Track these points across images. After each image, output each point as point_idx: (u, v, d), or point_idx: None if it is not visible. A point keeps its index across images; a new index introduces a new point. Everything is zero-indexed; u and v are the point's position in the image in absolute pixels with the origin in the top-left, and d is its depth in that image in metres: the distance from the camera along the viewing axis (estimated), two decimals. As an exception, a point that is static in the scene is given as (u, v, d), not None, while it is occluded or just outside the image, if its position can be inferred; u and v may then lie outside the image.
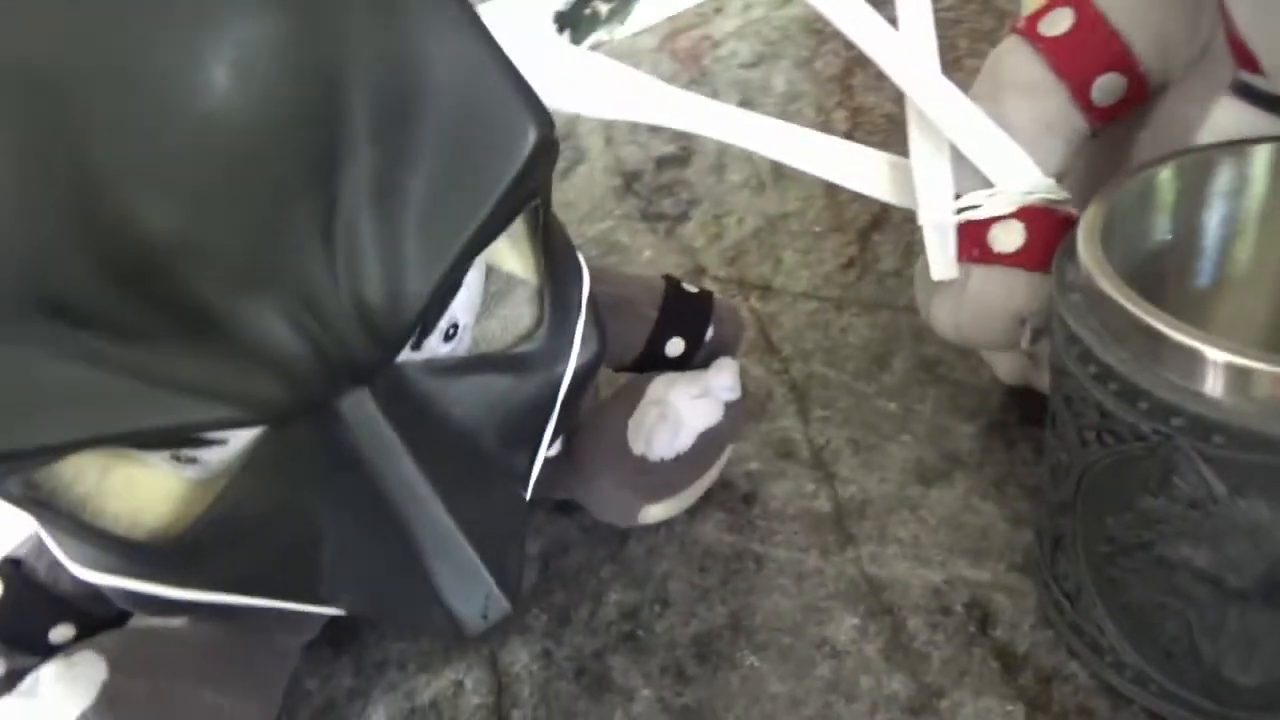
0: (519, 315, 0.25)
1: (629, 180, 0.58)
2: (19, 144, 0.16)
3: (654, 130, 0.62)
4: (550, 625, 0.32)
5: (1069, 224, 0.26)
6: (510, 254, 0.26)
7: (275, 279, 0.18)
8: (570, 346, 0.26)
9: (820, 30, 0.70)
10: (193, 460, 0.22)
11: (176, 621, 0.31)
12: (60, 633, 0.29)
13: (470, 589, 0.22)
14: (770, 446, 0.37)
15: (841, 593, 0.31)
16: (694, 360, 0.34)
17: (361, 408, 0.21)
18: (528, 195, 0.22)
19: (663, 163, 0.59)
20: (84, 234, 0.17)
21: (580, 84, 0.28)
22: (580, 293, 0.27)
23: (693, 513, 0.35)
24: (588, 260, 0.33)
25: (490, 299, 0.25)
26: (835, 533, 0.33)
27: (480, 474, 0.24)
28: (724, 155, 0.57)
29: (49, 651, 0.28)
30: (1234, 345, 0.19)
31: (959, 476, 0.34)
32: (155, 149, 0.17)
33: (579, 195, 0.58)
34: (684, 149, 0.59)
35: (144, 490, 0.22)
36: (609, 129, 0.64)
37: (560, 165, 0.61)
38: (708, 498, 0.35)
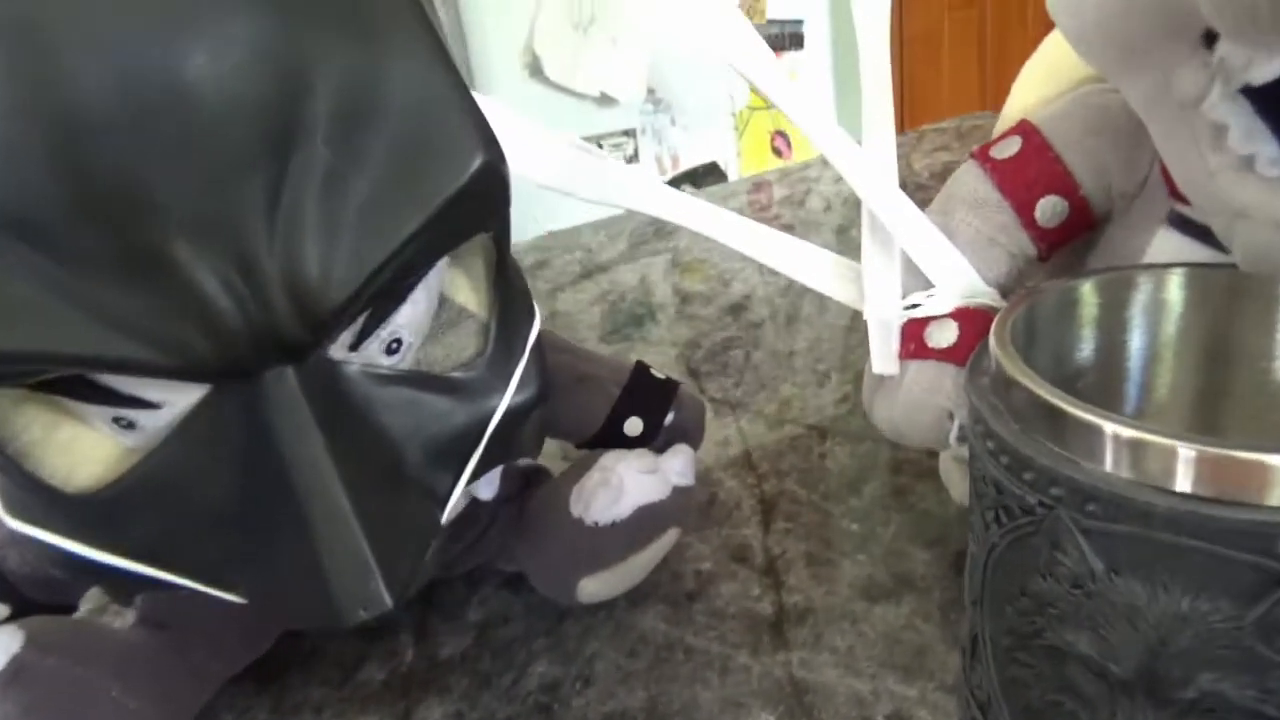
0: (464, 345, 0.27)
1: (654, 311, 0.60)
2: (8, 80, 0.19)
3: (687, 268, 0.65)
4: (470, 688, 0.32)
5: (999, 327, 0.27)
6: (465, 289, 0.27)
7: (215, 238, 0.20)
8: (508, 384, 0.27)
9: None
10: (131, 426, 0.23)
11: (117, 624, 0.32)
12: (-6, 610, 0.30)
13: (355, 578, 0.22)
14: (727, 550, 0.37)
15: (764, 691, 0.30)
16: (652, 444, 0.35)
17: (283, 384, 0.22)
18: (473, 221, 0.24)
19: (687, 297, 0.61)
20: (57, 166, 0.19)
21: (556, 163, 0.31)
22: (527, 336, 0.28)
23: (634, 600, 0.34)
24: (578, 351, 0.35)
25: (440, 327, 0.27)
26: (771, 635, 0.32)
27: (396, 484, 0.25)
28: (746, 302, 0.59)
29: (-21, 627, 0.29)
30: (1104, 412, 0.20)
31: (907, 597, 0.33)
32: (128, 103, 0.19)
33: (603, 316, 0.60)
34: (712, 289, 0.62)
35: (83, 449, 0.24)
36: (646, 265, 0.68)
37: (574, 275, 0.65)
38: (652, 589, 0.35)
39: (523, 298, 0.29)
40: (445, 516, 0.27)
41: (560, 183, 0.33)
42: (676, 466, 0.32)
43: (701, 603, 0.34)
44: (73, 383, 0.22)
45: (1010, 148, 0.29)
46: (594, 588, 0.32)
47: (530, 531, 0.33)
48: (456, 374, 0.26)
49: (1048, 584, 0.22)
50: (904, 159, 0.82)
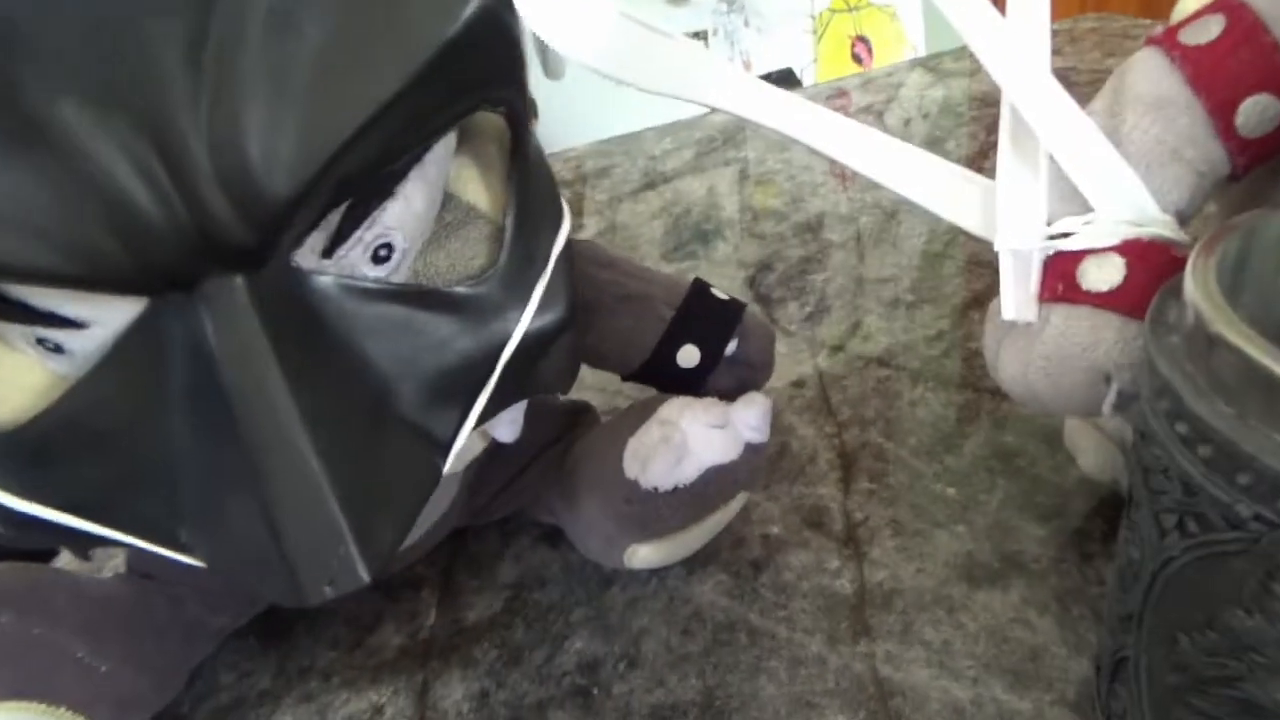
0: (472, 254, 0.22)
1: (721, 226, 0.54)
2: None
3: (759, 181, 0.59)
4: (497, 663, 0.27)
5: (1182, 267, 0.21)
6: (475, 183, 0.22)
7: (121, 102, 0.15)
8: (525, 302, 0.22)
9: (960, 113, 0.65)
10: (59, 350, 0.19)
11: (104, 575, 0.28)
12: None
13: (321, 547, 0.17)
14: (798, 513, 0.31)
15: (841, 690, 0.25)
16: (711, 379, 0.29)
17: (228, 298, 0.17)
18: (472, 86, 0.18)
19: (758, 214, 0.55)
20: None
21: (605, 38, 0.25)
22: (552, 244, 0.22)
23: (691, 568, 0.30)
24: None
25: (442, 229, 0.21)
26: (851, 620, 0.27)
27: (380, 426, 0.20)
28: (823, 218, 0.53)
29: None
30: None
31: (1015, 583, 0.28)
32: None
33: (665, 231, 0.54)
34: (788, 204, 0.55)
35: (3, 374, 0.19)
36: (713, 176, 0.61)
37: (636, 185, 0.58)
38: (712, 555, 0.30)
39: (548, 194, 0.24)
40: (449, 465, 0.22)
41: (611, 65, 0.27)
42: (750, 420, 0.27)
43: (768, 574, 0.29)
44: None
45: (1209, 30, 0.22)
46: (646, 555, 0.27)
47: (574, 486, 0.28)
48: (462, 289, 0.21)
49: (1253, 621, 0.16)
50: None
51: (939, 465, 0.33)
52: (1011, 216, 0.23)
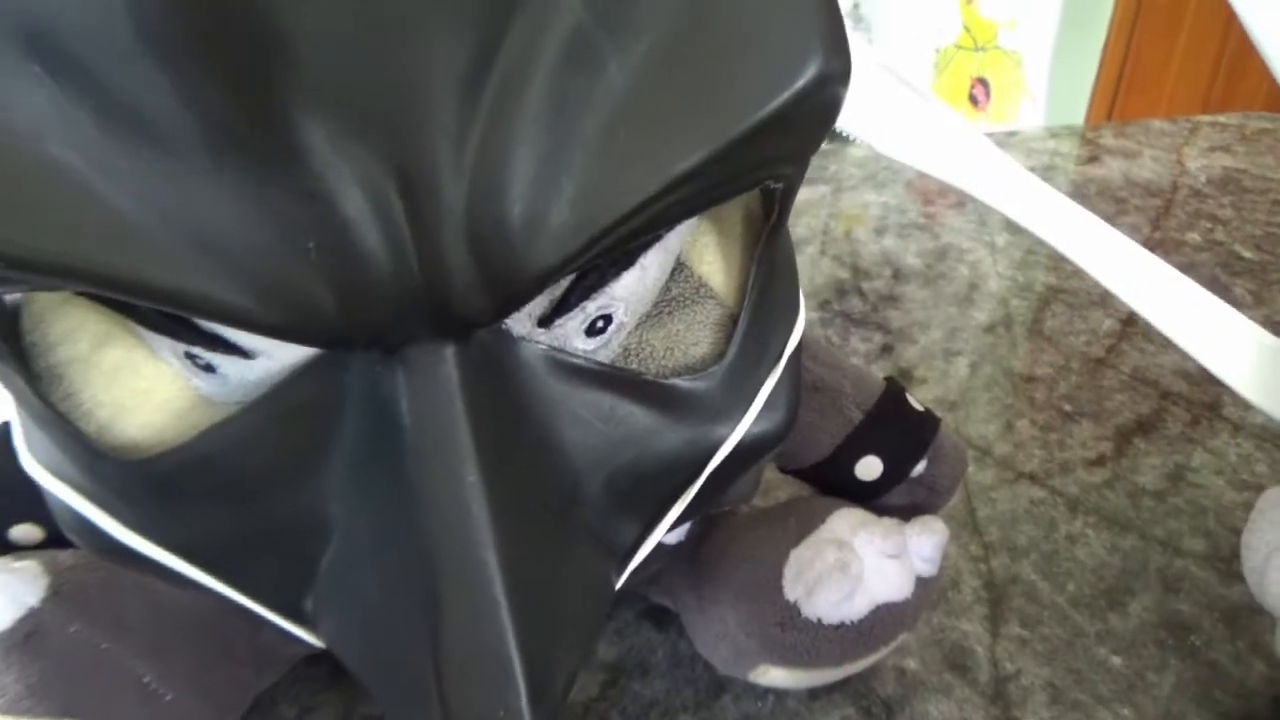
0: (695, 339, 0.18)
1: (858, 276, 0.50)
2: None
3: (902, 235, 0.55)
4: (589, 763, 0.24)
5: None
6: (712, 255, 0.18)
7: (374, 122, 0.12)
8: (748, 405, 0.18)
9: (1122, 199, 0.61)
10: (209, 369, 0.15)
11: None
12: (24, 532, 0.23)
13: (487, 688, 0.14)
14: (939, 648, 0.28)
15: None
16: (886, 496, 0.26)
17: (435, 369, 0.14)
18: (772, 161, 0.15)
19: (901, 275, 0.51)
20: None
21: (930, 142, 0.21)
22: (785, 341, 0.19)
23: (815, 693, 0.26)
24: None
25: (666, 304, 0.18)
26: (999, 803, 0.24)
27: (566, 532, 0.16)
28: (973, 290, 0.49)
29: (4, 549, 0.23)
30: None
31: (1193, 798, 0.24)
32: None
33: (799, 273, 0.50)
34: (929, 268, 0.51)
35: (138, 384, 0.16)
36: (851, 221, 0.57)
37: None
38: (841, 682, 0.26)
39: (789, 282, 0.20)
40: (620, 582, 0.18)
41: (855, 123, 0.24)
42: (925, 551, 0.23)
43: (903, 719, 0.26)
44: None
45: None
46: (778, 676, 0.24)
47: (713, 586, 0.24)
48: (681, 381, 0.17)
49: None
50: (1173, 151, 0.69)
51: (1101, 623, 0.29)
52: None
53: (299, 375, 0.15)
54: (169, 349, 0.16)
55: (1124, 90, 1.84)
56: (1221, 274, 0.51)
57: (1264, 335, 0.21)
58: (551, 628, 0.15)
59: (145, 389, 0.16)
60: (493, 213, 0.12)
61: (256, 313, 0.12)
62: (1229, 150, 0.69)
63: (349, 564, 0.16)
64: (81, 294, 0.15)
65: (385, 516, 0.15)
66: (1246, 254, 0.53)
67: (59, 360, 0.16)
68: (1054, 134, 0.73)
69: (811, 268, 0.52)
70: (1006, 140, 0.74)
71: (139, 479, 0.16)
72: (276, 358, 0.15)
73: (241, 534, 0.16)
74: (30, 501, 0.23)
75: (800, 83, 0.13)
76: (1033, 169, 0.65)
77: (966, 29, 1.86)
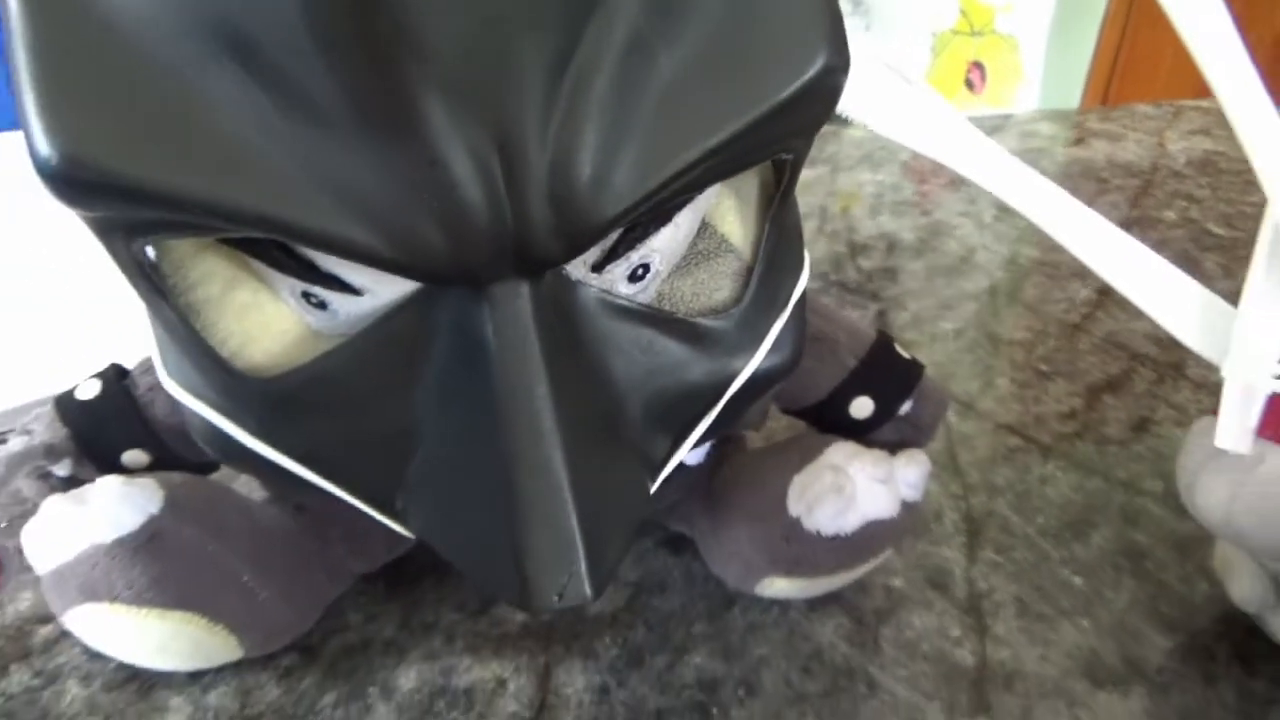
0: (717, 286, 0.22)
1: (854, 251, 0.54)
2: None
3: (897, 210, 0.59)
4: (619, 661, 0.28)
5: None
6: (732, 216, 0.22)
7: (480, 104, 0.15)
8: (760, 343, 0.22)
9: (1104, 179, 0.64)
10: (321, 306, 0.19)
11: (255, 497, 0.29)
12: (133, 457, 0.27)
13: (557, 561, 0.18)
14: (922, 570, 0.32)
15: (959, 764, 0.25)
16: (877, 431, 0.29)
17: (514, 303, 0.17)
18: (782, 139, 0.18)
19: (895, 247, 0.54)
20: None
21: (906, 115, 0.25)
22: (792, 289, 0.23)
23: (813, 604, 0.30)
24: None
25: (693, 257, 0.22)
26: (970, 694, 0.27)
27: (613, 442, 0.20)
28: (961, 262, 0.53)
29: (116, 471, 0.27)
30: None
31: (1137, 690, 0.28)
32: None
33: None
34: (921, 242, 0.55)
35: (262, 318, 0.20)
36: (850, 198, 0.61)
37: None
38: (835, 595, 0.30)
39: (796, 241, 0.24)
40: (653, 488, 0.22)
41: (854, 107, 0.27)
42: (911, 478, 0.27)
43: (890, 629, 0.29)
44: (266, 244, 0.18)
45: None
46: (782, 587, 0.28)
47: (723, 505, 0.28)
48: (705, 320, 0.21)
49: None
50: (1156, 134, 0.72)
51: (1066, 550, 0.33)
52: (1249, 347, 0.22)
53: (399, 308, 0.19)
54: (288, 289, 0.19)
55: (1118, 76, 1.87)
56: (1193, 249, 0.54)
57: (1213, 298, 0.25)
58: (604, 516, 0.19)
59: (267, 322, 0.20)
60: (568, 175, 0.16)
61: (384, 251, 0.16)
62: (1209, 133, 0.73)
63: (435, 466, 0.20)
64: (226, 241, 0.18)
65: (470, 425, 0.19)
66: (1218, 230, 0.56)
67: (196, 299, 0.20)
68: (1044, 117, 0.77)
69: (811, 242, 0.56)
70: (1001, 124, 0.77)
71: (263, 395, 0.20)
72: (380, 295, 0.19)
73: (346, 441, 0.20)
74: (138, 431, 0.27)
75: (809, 74, 0.17)
76: (1024, 150, 0.69)
77: (963, 14, 1.89)
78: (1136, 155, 0.68)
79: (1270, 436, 0.22)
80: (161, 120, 0.15)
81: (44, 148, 0.14)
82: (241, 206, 0.15)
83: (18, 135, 0.15)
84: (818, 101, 0.18)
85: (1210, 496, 0.23)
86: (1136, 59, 1.84)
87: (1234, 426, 0.22)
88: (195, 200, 0.15)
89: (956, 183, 0.63)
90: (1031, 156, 0.70)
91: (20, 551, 0.24)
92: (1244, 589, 0.27)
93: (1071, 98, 1.92)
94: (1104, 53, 1.86)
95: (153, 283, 0.19)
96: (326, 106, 0.15)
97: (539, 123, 0.16)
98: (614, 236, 0.19)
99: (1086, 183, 0.64)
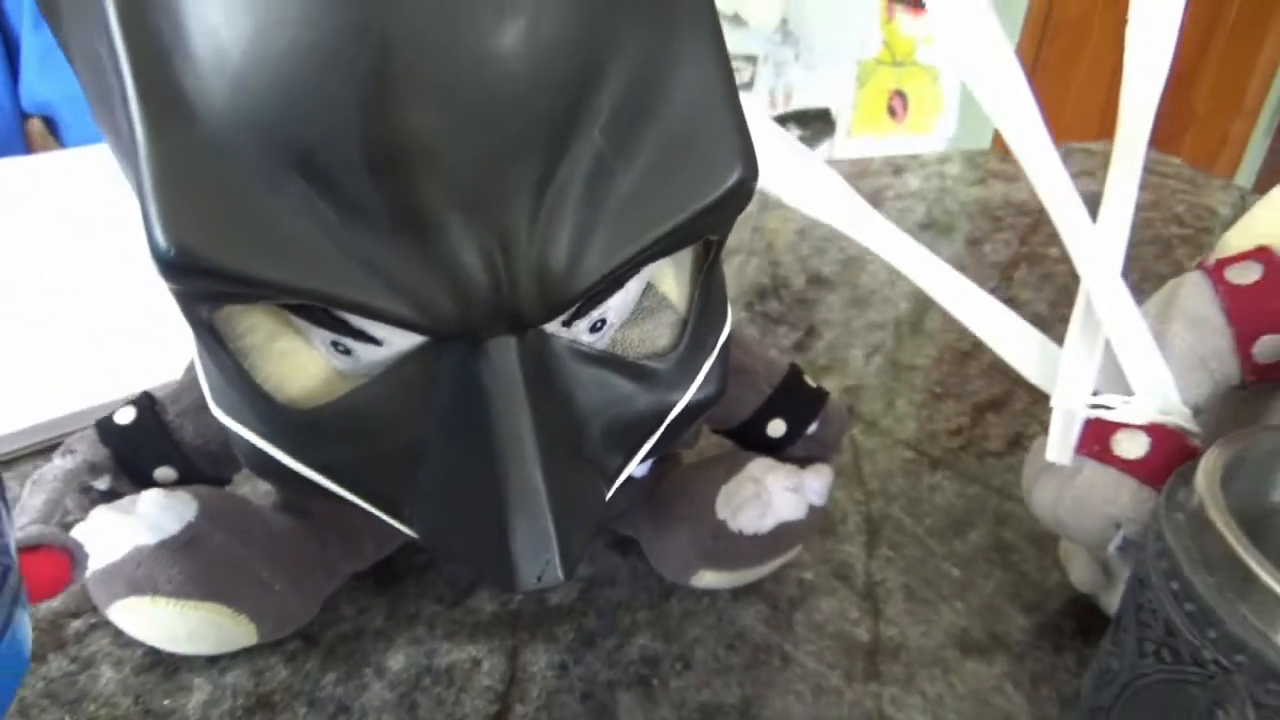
0: (659, 335, 0.27)
1: (778, 284, 0.60)
2: (335, 30, 0.19)
3: (815, 251, 0.65)
4: (575, 643, 0.33)
5: (1192, 453, 0.27)
6: (671, 279, 0.28)
7: (485, 212, 0.21)
8: (692, 380, 0.27)
9: (999, 218, 0.72)
10: (347, 352, 0.24)
11: (264, 504, 0.33)
12: (163, 473, 0.32)
13: (536, 551, 0.23)
14: (828, 564, 0.38)
15: (853, 719, 0.31)
16: (791, 446, 0.35)
17: (505, 354, 0.23)
18: (710, 227, 0.24)
19: (812, 282, 0.61)
20: (361, 120, 0.19)
21: (782, 169, 0.31)
22: (718, 337, 0.28)
23: (738, 595, 0.36)
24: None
25: (640, 312, 0.27)
26: (865, 663, 0.33)
27: (578, 457, 0.25)
28: (872, 295, 0.59)
29: (149, 485, 0.31)
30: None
31: (999, 658, 0.34)
32: (440, 69, 0.19)
33: (729, 279, 0.60)
34: (835, 276, 0.61)
35: (297, 362, 0.25)
36: (773, 235, 0.67)
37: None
38: (755, 587, 0.36)
39: (721, 298, 0.30)
40: (608, 495, 0.28)
41: (772, 183, 0.33)
42: (816, 487, 0.33)
43: (801, 613, 0.35)
44: (309, 306, 0.23)
45: (1249, 274, 0.28)
46: (711, 579, 0.33)
47: (663, 512, 0.34)
48: (649, 362, 0.27)
49: (1198, 734, 0.22)
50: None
51: (948, 546, 0.39)
52: (1069, 382, 0.29)
53: (411, 356, 0.24)
54: (319, 339, 0.24)
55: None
56: (1072, 283, 0.61)
57: (1047, 341, 0.31)
58: (572, 517, 0.24)
59: (302, 365, 0.25)
60: (548, 264, 0.21)
61: (409, 316, 0.21)
62: (1094, 175, 0.81)
63: (438, 480, 0.25)
64: (286, 307, 0.23)
65: (467, 448, 0.24)
66: (1095, 266, 0.64)
67: (243, 345, 0.25)
68: (947, 159, 0.84)
69: (739, 273, 0.62)
70: (909, 163, 0.84)
71: (298, 423, 0.25)
72: (395, 345, 0.24)
73: (364, 460, 0.25)
74: (169, 451, 0.31)
75: (729, 184, 0.23)
76: (932, 189, 0.76)
77: (886, 45, 1.98)
78: (1028, 195, 0.76)
79: (1086, 453, 0.29)
80: (247, 222, 0.20)
81: (161, 242, 0.19)
82: (303, 286, 0.21)
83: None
84: (736, 202, 0.23)
85: (1043, 498, 0.29)
86: (1045, 94, 1.95)
87: (1059, 444, 0.29)
88: (270, 282, 0.20)
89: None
90: (937, 194, 0.77)
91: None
92: (1080, 573, 0.34)
93: (986, 127, 2.03)
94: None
95: (214, 335, 0.23)
96: (371, 213, 0.20)
97: (528, 227, 0.21)
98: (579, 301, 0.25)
99: (984, 220, 0.71)
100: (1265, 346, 0.28)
